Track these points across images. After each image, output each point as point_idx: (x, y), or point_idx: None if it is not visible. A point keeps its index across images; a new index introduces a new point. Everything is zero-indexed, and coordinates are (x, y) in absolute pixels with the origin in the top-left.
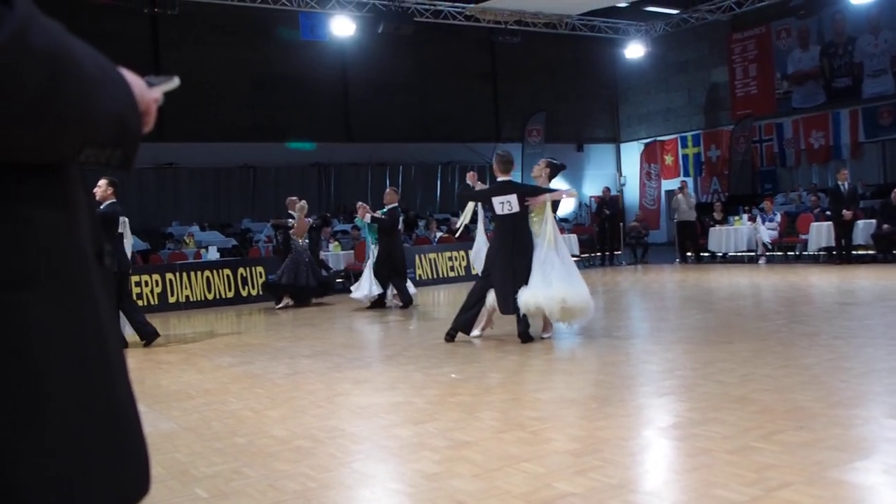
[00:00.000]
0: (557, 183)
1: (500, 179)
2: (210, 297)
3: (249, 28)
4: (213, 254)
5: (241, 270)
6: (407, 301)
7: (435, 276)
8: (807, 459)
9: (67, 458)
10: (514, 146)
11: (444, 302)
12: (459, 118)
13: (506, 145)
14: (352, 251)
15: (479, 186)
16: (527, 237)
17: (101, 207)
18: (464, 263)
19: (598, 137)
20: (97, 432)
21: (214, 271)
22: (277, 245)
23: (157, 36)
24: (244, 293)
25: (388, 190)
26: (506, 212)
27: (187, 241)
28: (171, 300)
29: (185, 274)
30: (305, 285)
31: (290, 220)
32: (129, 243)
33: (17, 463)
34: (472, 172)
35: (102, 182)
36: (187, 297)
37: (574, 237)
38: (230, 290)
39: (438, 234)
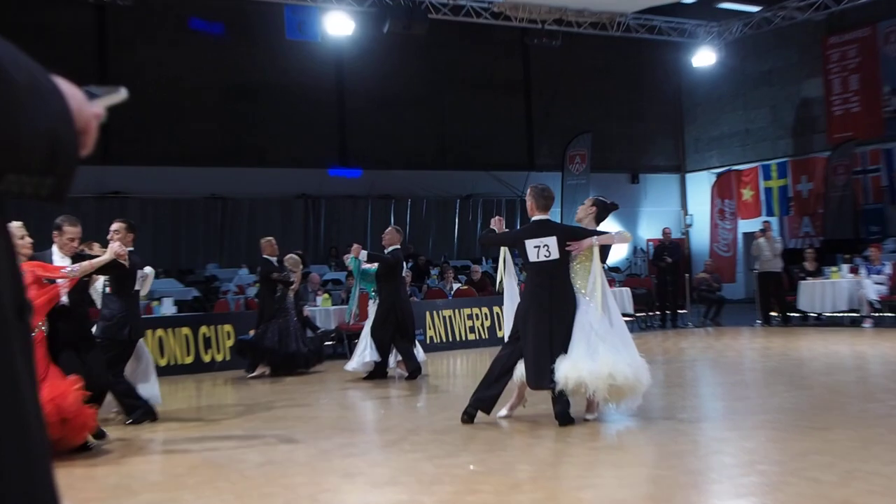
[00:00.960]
0: (608, 226)
1: (535, 219)
2: (163, 362)
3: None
4: (168, 307)
5: (203, 329)
6: (414, 370)
7: (450, 339)
8: None
9: None
10: (551, 176)
11: (462, 372)
12: (484, 140)
13: (541, 175)
14: (343, 306)
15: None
16: (568, 292)
17: (125, 263)
18: (487, 323)
19: (657, 166)
20: None
21: (170, 330)
22: (267, 300)
23: (104, 31)
24: (206, 358)
25: (388, 229)
26: (542, 258)
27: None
28: None
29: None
30: (295, 352)
31: (289, 272)
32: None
33: None
34: (498, 217)
35: (119, 226)
36: None
37: (627, 291)
38: (189, 353)
39: (455, 286)
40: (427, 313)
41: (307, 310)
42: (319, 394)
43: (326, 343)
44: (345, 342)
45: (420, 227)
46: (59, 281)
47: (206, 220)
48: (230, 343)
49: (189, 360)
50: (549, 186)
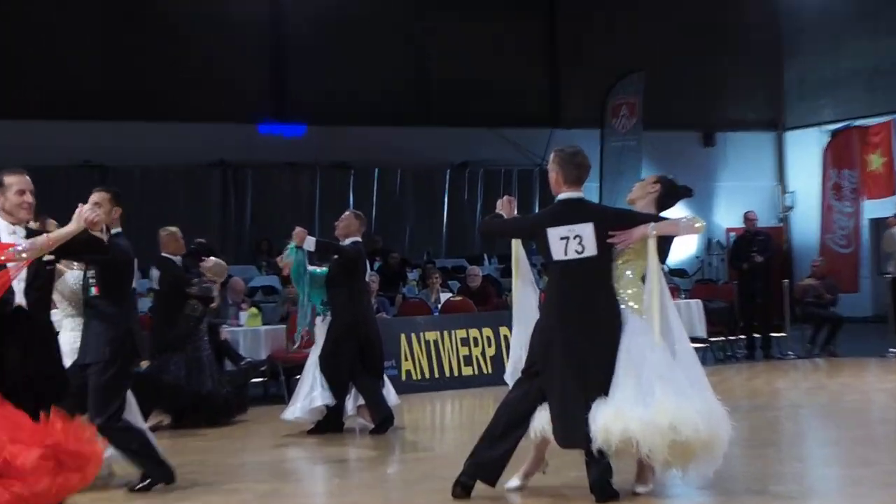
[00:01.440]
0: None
1: (562, 197)
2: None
3: None
4: None
5: None
6: (383, 419)
7: (436, 375)
8: None
9: None
10: (585, 135)
11: (453, 423)
12: (485, 84)
13: (571, 134)
14: (279, 326)
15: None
16: (609, 305)
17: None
18: (490, 351)
19: (743, 121)
20: None
21: None
22: (167, 318)
23: None
24: None
25: (345, 214)
26: (572, 255)
27: None
28: None
29: None
30: (211, 393)
31: (207, 283)
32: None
33: None
34: (507, 197)
35: (100, 197)
36: None
37: (697, 305)
38: None
39: (445, 297)
40: (402, 336)
41: (225, 331)
42: (243, 455)
43: (253, 380)
44: (281, 378)
45: (392, 211)
46: (8, 265)
47: (77, 197)
48: None
49: None
50: (582, 150)
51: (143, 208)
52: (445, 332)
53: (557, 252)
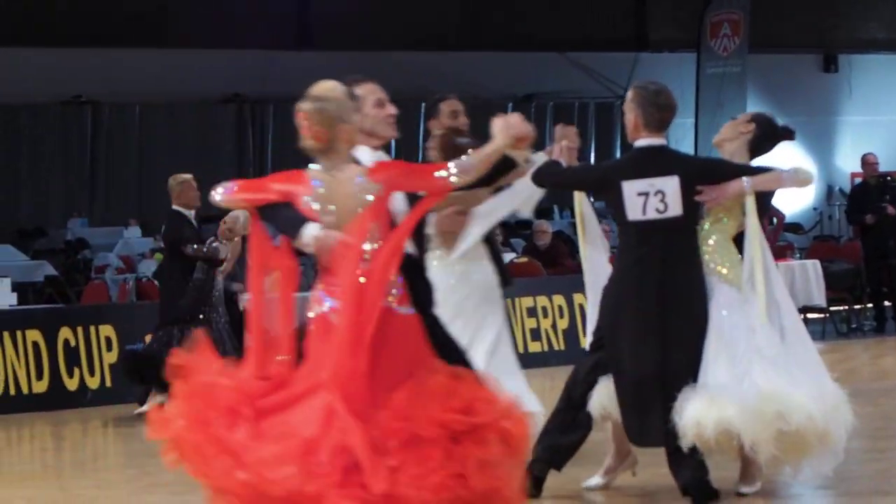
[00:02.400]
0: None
1: (640, 144)
2: None
3: None
4: (2, 295)
5: (64, 333)
6: None
7: None
8: None
9: None
10: (678, 60)
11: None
12: (555, 1)
13: (660, 58)
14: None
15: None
16: (695, 276)
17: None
18: (563, 323)
19: (874, 40)
20: None
21: (5, 335)
22: (176, 285)
23: None
24: (71, 384)
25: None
26: (651, 216)
27: None
28: None
29: None
30: None
31: (217, 243)
32: None
33: None
34: (565, 142)
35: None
36: None
37: (814, 267)
38: (40, 376)
39: (509, 258)
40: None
41: (245, 300)
42: None
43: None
44: None
45: None
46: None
47: (65, 141)
48: (112, 358)
49: (41, 386)
50: (668, 88)
51: (144, 151)
52: (508, 301)
53: (634, 211)
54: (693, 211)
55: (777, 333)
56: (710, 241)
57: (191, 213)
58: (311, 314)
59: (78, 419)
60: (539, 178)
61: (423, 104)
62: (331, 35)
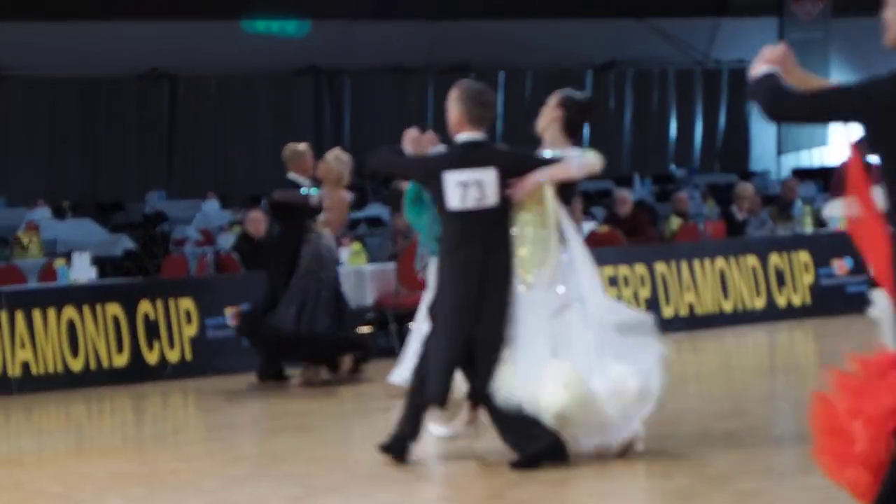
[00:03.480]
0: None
1: (462, 138)
2: (77, 365)
3: None
4: (83, 269)
5: (145, 307)
6: None
7: None
8: None
9: None
10: (758, 25)
11: None
12: None
13: (740, 24)
14: (388, 264)
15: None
16: (508, 259)
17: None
18: (645, 292)
19: None
20: None
21: (85, 308)
22: (283, 250)
23: None
24: (153, 357)
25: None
26: (470, 206)
27: (25, 241)
28: None
29: (20, 316)
30: (332, 336)
31: (304, 189)
32: None
33: None
34: (426, 134)
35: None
36: (25, 366)
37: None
38: (121, 350)
39: (589, 227)
40: None
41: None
42: (350, 418)
43: (359, 328)
44: (391, 328)
45: (522, 123)
46: None
47: (142, 114)
48: (192, 331)
49: (121, 360)
50: (489, 88)
51: (221, 124)
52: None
53: (454, 200)
54: (508, 201)
55: (575, 316)
56: (521, 237)
57: (306, 182)
58: None
59: (158, 393)
60: (376, 160)
61: (502, 73)
62: (409, 5)
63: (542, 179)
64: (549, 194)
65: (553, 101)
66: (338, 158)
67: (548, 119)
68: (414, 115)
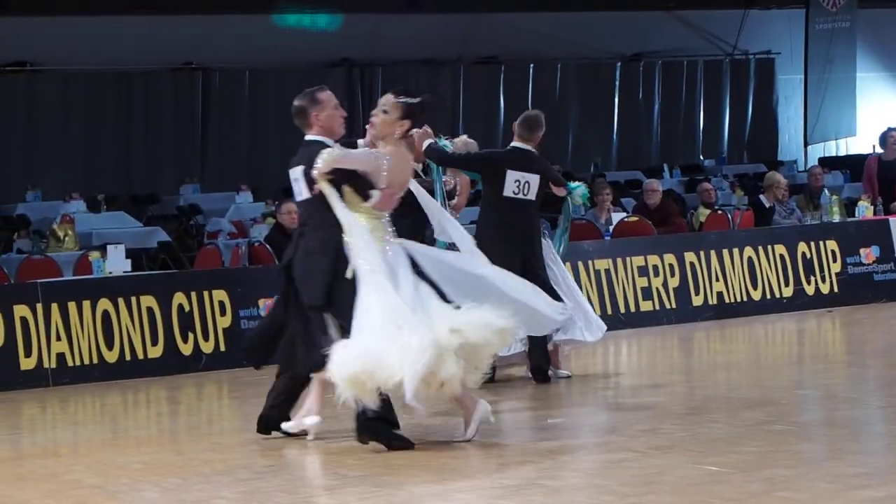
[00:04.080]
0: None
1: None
2: (112, 357)
3: None
4: (117, 261)
5: (179, 298)
6: (536, 368)
7: (609, 311)
8: None
9: None
10: (786, 16)
11: (630, 369)
12: None
13: (768, 15)
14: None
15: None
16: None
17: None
18: (674, 282)
19: None
20: None
21: (120, 300)
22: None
23: None
24: (187, 348)
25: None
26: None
27: (61, 234)
28: (26, 365)
29: (55, 308)
30: None
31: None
32: None
33: None
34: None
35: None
36: (61, 357)
37: None
38: (156, 342)
39: (618, 217)
40: (567, 265)
41: None
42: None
43: None
44: None
45: (551, 114)
46: None
47: (176, 107)
48: (226, 322)
49: (156, 352)
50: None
51: (254, 116)
52: (619, 260)
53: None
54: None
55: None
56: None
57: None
58: None
59: (193, 384)
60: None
61: (532, 66)
62: None
63: (314, 173)
64: (325, 187)
65: (394, 112)
66: (466, 143)
67: (392, 129)
68: (446, 107)
